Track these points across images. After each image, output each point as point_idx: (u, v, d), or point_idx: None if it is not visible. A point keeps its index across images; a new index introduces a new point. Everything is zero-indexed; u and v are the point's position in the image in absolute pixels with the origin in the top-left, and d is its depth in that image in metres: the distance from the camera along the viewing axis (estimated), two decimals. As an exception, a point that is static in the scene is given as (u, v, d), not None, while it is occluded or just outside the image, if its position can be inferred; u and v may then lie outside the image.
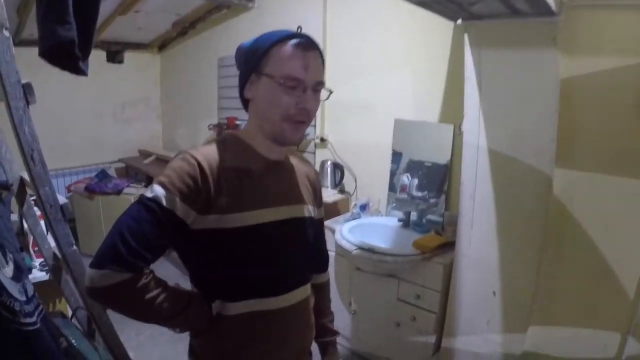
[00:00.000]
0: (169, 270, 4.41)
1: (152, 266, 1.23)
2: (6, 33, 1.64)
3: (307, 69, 1.27)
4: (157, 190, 1.19)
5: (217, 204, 1.24)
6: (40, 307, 1.50)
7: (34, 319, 1.41)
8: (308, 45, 1.29)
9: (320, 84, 1.32)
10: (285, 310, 1.40)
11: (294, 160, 1.53)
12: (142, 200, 1.20)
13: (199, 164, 1.22)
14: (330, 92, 1.42)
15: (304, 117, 1.30)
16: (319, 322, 1.65)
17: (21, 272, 1.50)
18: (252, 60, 1.30)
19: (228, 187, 1.26)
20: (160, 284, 1.25)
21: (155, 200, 1.18)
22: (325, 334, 1.70)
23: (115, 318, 1.84)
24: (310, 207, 1.51)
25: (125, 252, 1.13)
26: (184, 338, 1.42)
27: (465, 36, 2.53)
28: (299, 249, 1.45)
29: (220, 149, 1.32)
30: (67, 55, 1.59)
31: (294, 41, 1.27)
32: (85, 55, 1.67)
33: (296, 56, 1.26)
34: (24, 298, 1.40)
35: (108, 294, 1.15)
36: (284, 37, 1.28)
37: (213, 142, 1.36)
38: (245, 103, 1.40)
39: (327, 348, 1.71)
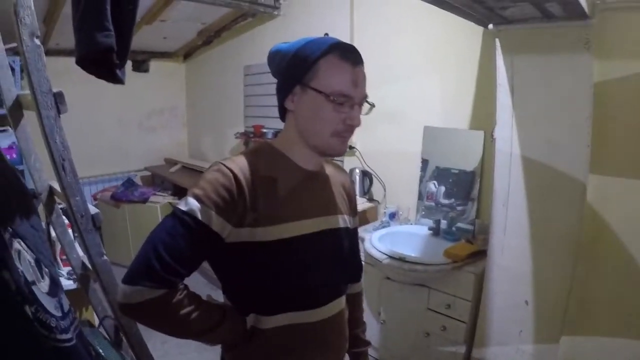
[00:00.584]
0: (198, 281, 4.40)
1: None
2: (37, 41, 1.64)
3: (357, 85, 1.26)
4: (192, 204, 1.17)
5: (252, 217, 1.21)
6: (76, 322, 1.48)
7: (69, 335, 1.39)
8: (356, 59, 1.27)
9: (364, 99, 1.31)
10: (321, 323, 1.37)
11: (329, 169, 1.50)
12: (176, 214, 1.18)
13: (235, 176, 1.20)
14: (372, 106, 1.40)
15: (350, 132, 1.30)
16: (351, 332, 1.62)
17: (57, 286, 1.48)
18: (297, 71, 1.27)
19: (264, 199, 1.23)
20: (195, 299, 1.23)
21: (190, 213, 1.16)
22: (358, 345, 1.67)
23: (141, 326, 1.83)
24: (347, 217, 1.48)
25: (159, 268, 1.11)
26: (211, 347, 1.39)
27: (497, 41, 2.50)
28: (335, 260, 1.42)
29: (255, 159, 1.29)
30: (105, 63, 1.58)
31: (343, 54, 1.25)
32: (122, 63, 1.65)
33: (346, 71, 1.24)
34: (59, 314, 1.38)
35: (142, 310, 1.13)
36: (330, 47, 1.25)
37: (247, 152, 1.34)
38: (283, 112, 1.37)
39: (359, 359, 1.68)
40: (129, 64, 5.64)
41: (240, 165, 1.23)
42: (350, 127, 1.28)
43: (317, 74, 1.24)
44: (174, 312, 1.16)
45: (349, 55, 1.26)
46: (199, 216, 1.15)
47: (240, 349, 1.33)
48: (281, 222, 1.25)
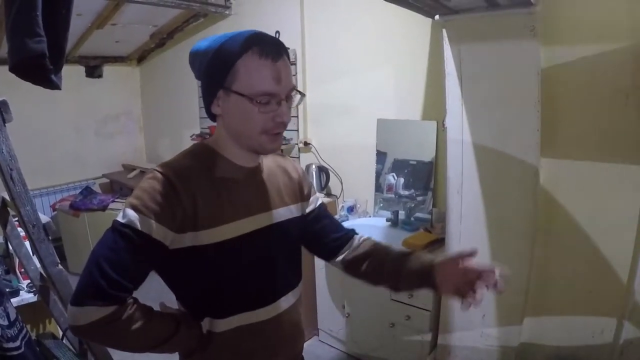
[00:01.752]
0: (155, 284, 4.35)
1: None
2: (-22, 51, 1.62)
3: (280, 80, 1.19)
4: (130, 214, 1.13)
5: (193, 220, 1.18)
6: (24, 331, 1.47)
7: (17, 343, 1.37)
8: (276, 53, 1.20)
9: (292, 90, 1.25)
10: (275, 319, 1.36)
11: (269, 161, 1.47)
12: (116, 227, 1.14)
13: (170, 181, 1.16)
14: (303, 96, 1.34)
15: (281, 129, 1.25)
16: (408, 263, 1.46)
17: (2, 295, 1.46)
18: (217, 75, 1.22)
19: (203, 201, 1.20)
20: (146, 311, 1.20)
21: (129, 225, 1.12)
22: (424, 262, 1.44)
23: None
24: (293, 207, 1.45)
25: (106, 285, 1.08)
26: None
27: (444, 32, 2.52)
28: (283, 254, 1.40)
29: (192, 161, 1.26)
30: (39, 69, 1.55)
31: (261, 51, 1.18)
32: (58, 68, 1.62)
33: (266, 68, 1.18)
34: (5, 322, 1.36)
35: (93, 330, 1.10)
36: (247, 44, 1.18)
37: (184, 154, 1.30)
38: (212, 115, 1.32)
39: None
40: (81, 70, 5.60)
41: (175, 169, 1.20)
42: (280, 125, 1.23)
43: (237, 76, 1.18)
44: (125, 328, 1.13)
45: (269, 49, 1.18)
46: (139, 226, 1.12)
47: (198, 354, 1.31)
48: (223, 223, 1.23)
